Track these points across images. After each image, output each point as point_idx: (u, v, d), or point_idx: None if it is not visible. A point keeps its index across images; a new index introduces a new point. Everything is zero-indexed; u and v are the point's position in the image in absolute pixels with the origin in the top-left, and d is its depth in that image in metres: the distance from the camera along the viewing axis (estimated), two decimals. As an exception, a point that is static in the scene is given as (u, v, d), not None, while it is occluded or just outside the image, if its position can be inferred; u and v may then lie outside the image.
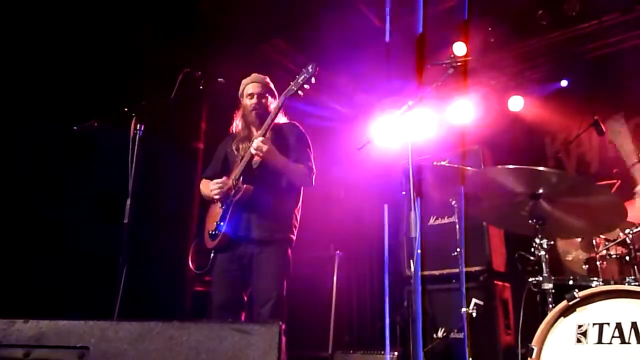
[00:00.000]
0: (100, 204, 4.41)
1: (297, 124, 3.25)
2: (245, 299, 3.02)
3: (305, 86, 2.84)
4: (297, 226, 3.12)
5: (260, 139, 2.92)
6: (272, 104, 3.18)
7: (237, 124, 3.32)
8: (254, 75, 3.27)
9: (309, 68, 2.84)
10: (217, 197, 3.08)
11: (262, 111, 3.14)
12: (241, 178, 3.00)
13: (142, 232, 4.24)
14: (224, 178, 3.11)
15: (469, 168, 3.24)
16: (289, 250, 3.04)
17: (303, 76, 2.84)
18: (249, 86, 3.24)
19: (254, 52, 5.25)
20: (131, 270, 2.56)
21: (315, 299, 5.00)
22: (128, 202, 2.64)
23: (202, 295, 4.83)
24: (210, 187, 3.12)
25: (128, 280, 2.52)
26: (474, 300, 3.74)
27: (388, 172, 5.19)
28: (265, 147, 2.91)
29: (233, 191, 3.01)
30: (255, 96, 3.18)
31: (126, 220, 2.61)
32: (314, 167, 3.12)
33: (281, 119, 3.23)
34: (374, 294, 5.71)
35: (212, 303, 3.02)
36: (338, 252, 5.16)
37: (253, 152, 2.93)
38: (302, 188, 3.19)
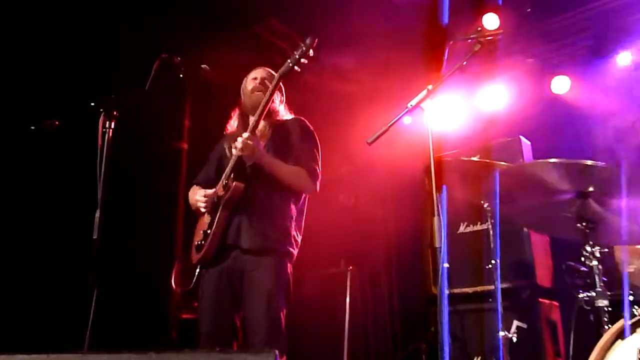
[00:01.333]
0: (65, 217, 4.44)
1: (303, 119, 3.27)
2: (238, 324, 3.01)
3: (303, 60, 2.89)
4: (299, 240, 3.11)
5: (246, 135, 2.94)
6: (277, 97, 3.24)
7: (232, 124, 3.36)
8: (262, 67, 3.37)
9: (307, 41, 2.90)
10: (203, 209, 3.10)
11: (262, 95, 3.18)
12: (232, 176, 3.01)
13: (115, 250, 4.28)
14: (213, 190, 3.12)
15: (503, 163, 3.21)
16: (288, 266, 3.03)
17: (300, 50, 2.90)
18: (254, 72, 3.35)
19: (244, 34, 5.25)
20: (103, 295, 2.56)
21: (324, 324, 4.99)
22: (97, 214, 2.64)
23: (190, 324, 4.83)
24: (197, 197, 3.13)
25: (100, 306, 2.52)
26: (514, 323, 3.69)
27: (407, 171, 5.17)
28: (250, 144, 2.94)
29: (222, 194, 3.02)
30: (259, 79, 3.27)
31: (95, 236, 2.61)
32: (319, 169, 3.11)
33: (286, 115, 3.26)
34: (395, 317, 5.68)
35: (199, 330, 3.01)
36: (350, 268, 5.15)
37: (235, 152, 2.97)
38: (303, 195, 3.18)
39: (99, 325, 2.51)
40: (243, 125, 3.24)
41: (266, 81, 3.24)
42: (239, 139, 2.97)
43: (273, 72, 3.28)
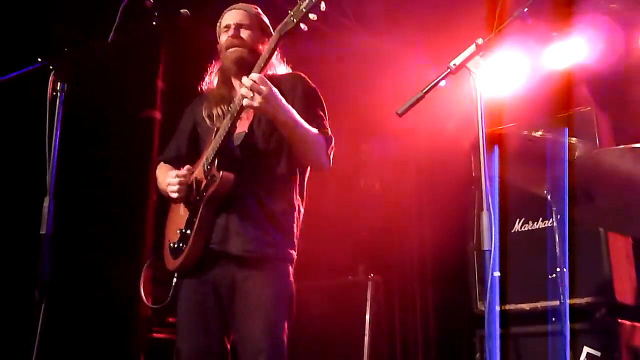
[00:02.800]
0: (5, 207, 4.48)
1: (301, 74, 3.25)
2: (228, 346, 3.05)
3: (311, 16, 2.77)
4: (298, 236, 3.14)
5: (256, 75, 2.84)
6: (263, 45, 3.17)
7: (210, 80, 3.32)
8: (238, 4, 3.28)
9: None
10: (175, 195, 3.09)
11: (245, 50, 3.13)
12: (216, 161, 3.00)
13: (69, 249, 4.33)
14: (187, 167, 3.11)
15: (574, 141, 3.20)
16: (290, 272, 3.05)
17: (307, 1, 2.78)
18: (226, 15, 3.24)
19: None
20: (53, 306, 2.59)
21: (337, 347, 5.02)
22: (46, 202, 2.66)
23: (163, 345, 4.89)
24: (167, 180, 3.13)
25: (49, 321, 2.56)
26: (585, 350, 3.68)
27: (448, 150, 5.17)
28: (265, 90, 2.83)
29: (204, 182, 3.02)
30: (233, 27, 3.16)
31: (44, 231, 2.63)
32: (332, 135, 3.13)
33: (280, 68, 3.23)
34: (429, 341, 5.71)
35: (178, 354, 3.05)
36: (371, 276, 5.18)
37: (244, 100, 2.84)
38: (306, 174, 3.21)
39: (48, 346, 2.55)
40: (225, 86, 3.22)
41: (243, 29, 3.16)
42: (245, 81, 2.84)
43: (258, 10, 3.24)
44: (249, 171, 3.03)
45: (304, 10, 2.76)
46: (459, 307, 5.04)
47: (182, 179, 3.07)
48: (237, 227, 2.98)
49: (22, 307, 2.70)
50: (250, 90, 2.81)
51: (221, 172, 2.96)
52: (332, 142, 3.10)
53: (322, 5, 2.73)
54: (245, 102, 2.85)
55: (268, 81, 2.85)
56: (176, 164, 3.32)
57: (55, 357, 2.62)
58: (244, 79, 2.84)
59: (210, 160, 3.02)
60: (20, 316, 2.68)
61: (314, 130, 3.02)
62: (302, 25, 2.79)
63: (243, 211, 3.00)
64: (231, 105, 3.02)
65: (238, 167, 3.01)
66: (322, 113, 3.17)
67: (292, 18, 2.81)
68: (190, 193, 3.08)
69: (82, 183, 4.78)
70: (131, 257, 4.91)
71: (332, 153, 3.11)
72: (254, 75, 2.84)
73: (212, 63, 3.36)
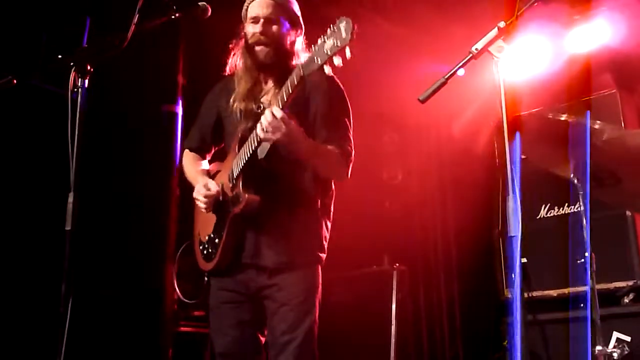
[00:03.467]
0: (30, 204, 4.52)
1: (332, 75, 3.06)
2: (262, 339, 3.07)
3: (336, 61, 2.57)
4: (328, 236, 3.14)
5: (279, 112, 2.78)
6: (291, 37, 3.12)
7: (236, 64, 3.25)
8: None
9: (341, 28, 2.52)
10: (203, 209, 3.10)
11: (271, 49, 3.08)
12: (241, 178, 2.98)
13: (94, 245, 4.37)
14: (215, 185, 3.08)
15: (599, 125, 3.16)
16: (319, 272, 3.07)
17: (331, 42, 2.55)
18: (254, 4, 3.14)
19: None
20: (80, 302, 2.61)
21: (363, 337, 5.03)
22: (70, 198, 2.68)
23: (191, 340, 4.91)
24: (195, 194, 3.13)
25: (76, 316, 2.57)
26: (615, 335, 3.66)
27: (471, 137, 5.12)
28: (284, 128, 2.80)
29: (230, 196, 3.02)
30: (262, 21, 3.08)
31: (68, 227, 2.65)
32: (352, 149, 3.09)
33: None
34: (455, 329, 5.68)
35: (214, 349, 3.08)
36: (396, 265, 5.17)
37: (261, 133, 2.84)
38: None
39: (76, 342, 2.56)
40: (250, 79, 3.18)
41: (273, 27, 3.07)
42: (267, 116, 2.79)
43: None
44: (276, 183, 3.03)
45: (328, 53, 2.58)
46: (485, 295, 5.01)
47: (209, 199, 3.07)
48: (268, 241, 3.01)
49: (50, 303, 2.72)
50: (270, 125, 2.79)
51: (246, 196, 2.95)
52: (351, 155, 3.08)
53: (348, 52, 2.54)
54: (262, 135, 2.84)
55: (288, 119, 2.81)
56: (201, 152, 3.38)
57: (82, 352, 2.63)
58: (267, 116, 2.79)
59: (236, 175, 3.01)
60: (48, 312, 2.70)
61: (331, 150, 3.00)
62: (326, 69, 2.63)
63: (273, 223, 3.01)
64: (255, 124, 2.94)
65: (265, 181, 3.02)
66: (346, 120, 3.13)
67: (316, 58, 2.64)
68: (216, 202, 3.09)
69: (105, 179, 4.81)
70: (156, 251, 4.94)
71: (351, 165, 3.09)
72: (277, 112, 2.79)
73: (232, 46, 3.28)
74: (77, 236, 2.64)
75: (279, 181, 3.04)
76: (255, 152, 2.95)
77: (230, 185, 3.03)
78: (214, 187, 3.09)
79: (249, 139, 2.96)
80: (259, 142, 2.92)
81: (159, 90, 5.29)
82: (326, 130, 3.03)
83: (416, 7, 5.51)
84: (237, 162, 3.00)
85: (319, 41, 2.63)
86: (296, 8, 3.20)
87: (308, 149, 2.96)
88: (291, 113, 2.89)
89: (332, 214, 3.20)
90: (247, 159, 2.95)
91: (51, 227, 2.92)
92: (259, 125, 2.87)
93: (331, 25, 2.59)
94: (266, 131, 2.81)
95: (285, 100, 2.83)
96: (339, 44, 2.53)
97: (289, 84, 2.81)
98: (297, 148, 2.93)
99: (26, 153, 4.57)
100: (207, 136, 3.35)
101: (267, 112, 2.81)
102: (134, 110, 5.12)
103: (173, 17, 3.01)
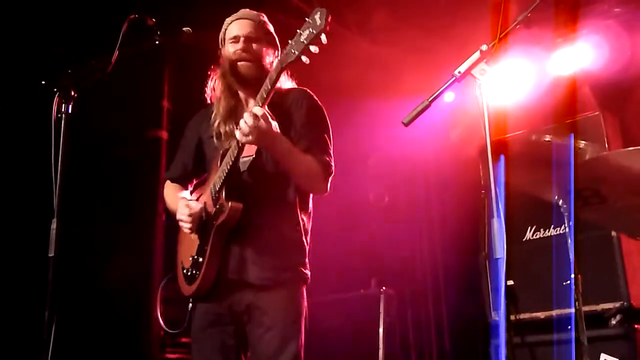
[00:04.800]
0: (12, 230, 4.48)
1: (308, 91, 3.18)
2: None
3: (313, 48, 2.66)
4: (308, 253, 3.12)
5: (259, 110, 2.81)
6: (270, 56, 3.14)
7: (213, 89, 3.25)
8: (242, 11, 3.22)
9: (316, 18, 2.64)
10: (187, 229, 3.09)
11: (253, 65, 3.09)
12: (224, 189, 2.97)
13: (78, 270, 4.33)
14: (199, 204, 3.08)
15: (583, 145, 3.20)
16: (303, 292, 3.04)
17: (307, 32, 2.65)
18: (233, 25, 3.18)
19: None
20: (63, 331, 2.58)
21: (353, 359, 5.00)
22: (53, 224, 2.66)
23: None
24: (178, 216, 3.11)
25: (60, 347, 2.55)
26: (603, 357, 3.65)
27: (456, 159, 5.15)
28: (264, 126, 2.82)
29: (213, 210, 3.00)
30: (242, 40, 3.11)
31: (52, 254, 2.63)
32: (332, 162, 3.09)
33: (284, 83, 3.16)
34: (444, 352, 5.67)
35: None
36: (383, 289, 5.16)
37: (240, 136, 2.83)
38: (311, 196, 3.19)
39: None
40: (231, 99, 3.18)
41: (254, 44, 3.10)
42: (245, 116, 2.81)
43: (264, 18, 3.19)
44: (258, 196, 3.00)
45: (304, 42, 2.67)
46: (473, 317, 5.01)
47: (194, 217, 3.04)
48: (253, 256, 2.96)
49: (33, 330, 2.69)
50: (248, 124, 2.78)
51: (230, 203, 2.93)
52: (330, 169, 3.05)
53: (324, 38, 2.63)
54: (240, 137, 2.83)
55: (269, 117, 2.83)
56: (183, 181, 3.32)
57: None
58: (246, 116, 2.81)
59: (217, 188, 3.00)
60: (31, 338, 2.67)
61: (310, 160, 2.98)
62: (303, 58, 2.71)
63: (256, 238, 2.98)
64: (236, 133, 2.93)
65: (247, 194, 2.99)
66: (325, 136, 3.11)
67: (293, 50, 2.72)
68: (200, 220, 3.08)
69: (89, 204, 4.78)
70: (141, 277, 4.91)
71: (330, 178, 3.07)
72: (257, 110, 2.80)
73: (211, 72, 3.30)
74: (60, 262, 2.62)
75: (261, 194, 3.02)
76: (236, 162, 2.95)
77: (212, 200, 3.02)
78: (196, 205, 3.09)
79: (229, 152, 2.96)
80: (240, 150, 2.92)
81: (144, 114, 5.28)
82: (306, 143, 3.01)
83: (401, 29, 5.56)
84: (219, 175, 2.99)
85: (295, 35, 2.72)
86: (272, 29, 3.24)
87: (286, 151, 2.93)
88: (278, 122, 2.92)
89: (309, 231, 3.17)
90: (228, 169, 2.94)
91: (34, 253, 2.89)
92: (239, 128, 2.85)
93: (306, 19, 2.68)
94: (244, 133, 2.80)
95: (265, 97, 2.85)
96: (314, 32, 2.63)
97: (268, 81, 2.85)
98: (273, 150, 2.92)
99: (9, 179, 4.55)
100: (189, 163, 3.32)
101: (247, 116, 2.81)
102: (119, 135, 5.11)
103: (157, 42, 3.02)
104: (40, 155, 2.80)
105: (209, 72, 3.27)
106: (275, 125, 2.86)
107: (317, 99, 3.18)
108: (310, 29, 2.64)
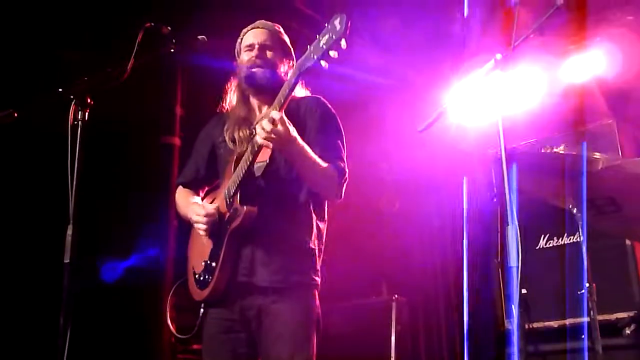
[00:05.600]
0: (28, 236, 4.51)
1: (322, 99, 3.21)
2: None
3: (332, 53, 2.63)
4: (321, 261, 3.12)
5: (277, 114, 2.79)
6: (284, 65, 3.17)
7: (230, 99, 3.30)
8: (258, 22, 3.27)
9: (335, 23, 2.61)
10: (202, 232, 3.09)
11: (267, 71, 3.11)
12: (238, 194, 2.99)
13: (92, 276, 4.35)
14: (213, 206, 3.10)
15: (597, 155, 3.18)
16: (316, 298, 3.04)
17: (326, 37, 2.63)
18: (248, 34, 3.23)
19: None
20: (77, 335, 2.60)
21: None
22: (69, 230, 2.67)
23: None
24: (193, 217, 3.12)
25: (74, 352, 2.56)
26: (616, 367, 3.64)
27: (468, 167, 5.14)
28: (281, 130, 2.80)
29: (227, 214, 3.01)
30: (257, 47, 3.15)
31: (67, 260, 2.64)
32: (346, 168, 3.10)
33: (298, 91, 3.17)
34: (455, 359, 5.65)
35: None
36: (395, 296, 5.15)
37: (260, 139, 2.82)
38: (326, 202, 3.20)
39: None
40: (245, 106, 3.21)
41: (268, 51, 3.15)
42: (264, 122, 2.79)
43: (279, 29, 3.24)
44: (272, 201, 3.02)
45: (323, 47, 2.64)
46: (486, 326, 4.99)
47: (209, 218, 3.06)
48: (263, 258, 2.97)
49: (48, 335, 2.70)
50: (266, 129, 2.78)
51: (245, 207, 2.94)
52: (345, 174, 3.06)
53: (343, 43, 2.59)
54: (260, 141, 2.83)
55: (286, 121, 2.82)
56: (195, 187, 3.35)
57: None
58: (264, 122, 2.80)
59: (232, 193, 3.01)
60: (46, 344, 2.68)
61: (325, 165, 2.98)
62: (322, 63, 2.68)
63: (268, 241, 2.99)
64: (251, 141, 2.96)
65: (261, 198, 3.00)
66: (339, 142, 3.13)
67: (312, 54, 2.71)
68: (214, 222, 3.08)
69: (104, 211, 4.80)
70: (153, 283, 4.92)
71: (344, 184, 3.08)
72: (275, 114, 2.79)
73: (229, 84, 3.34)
74: (75, 268, 2.64)
75: (275, 199, 3.03)
76: (251, 167, 2.97)
77: (227, 204, 3.03)
78: (210, 206, 3.10)
79: (245, 156, 2.97)
80: (256, 154, 2.92)
81: (158, 121, 5.31)
82: (320, 149, 3.02)
83: (410, 38, 5.56)
84: (234, 180, 3.01)
85: (315, 40, 2.70)
86: (287, 39, 3.28)
87: (305, 155, 2.92)
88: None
89: (324, 237, 3.18)
90: (243, 174, 2.95)
91: (50, 259, 2.90)
92: (257, 132, 2.85)
93: (326, 24, 2.66)
94: (265, 136, 2.79)
95: (282, 102, 2.85)
96: (334, 37, 2.60)
97: (286, 85, 2.85)
98: (294, 152, 2.90)
99: (25, 185, 4.58)
100: (202, 168, 3.34)
101: (265, 122, 2.79)
102: (134, 141, 5.14)
103: (172, 49, 3.04)
104: (56, 161, 2.82)
105: (223, 81, 3.31)
106: (292, 129, 2.85)
107: (330, 106, 3.20)
108: (330, 34, 2.62)
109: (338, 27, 2.59)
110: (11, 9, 4.46)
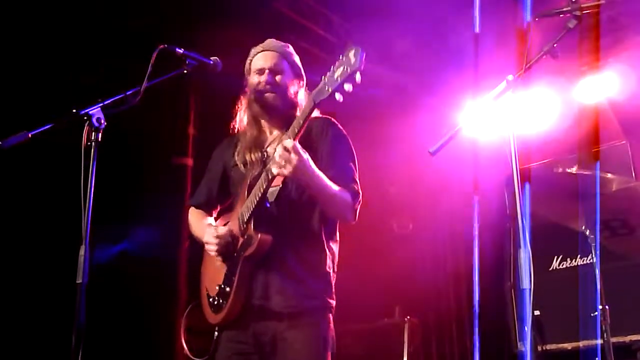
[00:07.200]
0: (41, 256, 4.53)
1: (332, 119, 3.19)
2: None
3: (347, 87, 2.60)
4: (334, 282, 3.12)
5: (290, 143, 2.78)
6: (294, 86, 3.19)
7: (240, 118, 3.29)
8: (268, 42, 3.25)
9: (350, 56, 2.57)
10: (214, 254, 3.09)
11: (278, 97, 3.12)
12: (252, 221, 2.99)
13: (106, 297, 4.35)
14: (226, 228, 3.10)
15: (610, 176, 3.18)
16: (330, 322, 3.03)
17: (341, 69, 2.60)
18: (259, 57, 3.21)
19: (265, 15, 5.33)
20: (91, 356, 2.60)
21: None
22: (82, 251, 2.68)
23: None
24: (205, 238, 3.12)
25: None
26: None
27: (481, 188, 5.13)
28: (295, 159, 2.78)
29: (241, 240, 3.01)
30: (267, 72, 3.14)
31: (79, 280, 2.65)
32: (359, 190, 3.10)
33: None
34: (469, 384, 5.61)
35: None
36: (408, 318, 5.13)
37: (275, 169, 2.82)
38: (337, 224, 3.20)
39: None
40: (255, 128, 3.22)
41: (278, 77, 3.14)
42: (278, 149, 2.79)
43: (290, 50, 3.23)
44: (285, 226, 3.01)
45: (338, 80, 2.62)
46: (499, 347, 4.96)
47: (221, 240, 3.05)
48: (277, 283, 2.96)
49: (60, 356, 2.70)
50: (283, 158, 2.76)
51: (259, 235, 2.93)
52: (359, 197, 3.05)
53: (358, 77, 2.57)
54: (275, 170, 2.82)
55: (300, 149, 2.80)
56: (207, 208, 3.34)
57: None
58: (278, 149, 2.79)
59: (246, 219, 3.00)
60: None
61: (338, 189, 2.97)
62: (337, 96, 2.65)
63: (282, 266, 2.98)
64: (264, 168, 2.96)
65: (275, 224, 2.99)
66: (351, 164, 3.12)
67: (326, 86, 2.69)
68: (227, 248, 3.09)
69: (117, 232, 4.82)
70: (166, 305, 4.92)
71: (358, 206, 3.08)
72: (288, 143, 2.77)
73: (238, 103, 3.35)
74: (88, 289, 2.64)
75: (288, 224, 3.03)
76: (265, 194, 2.95)
77: (241, 230, 3.03)
78: (223, 229, 3.10)
79: (258, 182, 2.97)
80: (270, 182, 2.91)
81: (171, 142, 5.34)
82: (332, 172, 3.01)
83: (424, 59, 5.58)
84: (247, 206, 3.00)
85: (329, 71, 2.68)
86: (297, 60, 3.27)
87: (319, 182, 2.90)
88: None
89: (337, 259, 3.17)
90: (257, 201, 2.94)
91: (62, 279, 2.91)
92: (272, 159, 2.85)
93: (340, 55, 2.64)
94: (279, 166, 2.78)
95: (297, 132, 2.84)
96: (348, 70, 2.57)
97: (301, 116, 2.84)
98: (308, 180, 2.88)
99: (38, 206, 4.61)
100: (214, 190, 3.34)
101: (279, 149, 2.78)
102: (146, 163, 5.16)
103: (186, 71, 3.06)
104: (69, 182, 2.84)
105: (235, 101, 3.32)
106: (306, 156, 2.83)
107: (341, 127, 3.20)
108: (345, 67, 2.59)
109: (353, 60, 2.56)
110: (27, 34, 4.52)
